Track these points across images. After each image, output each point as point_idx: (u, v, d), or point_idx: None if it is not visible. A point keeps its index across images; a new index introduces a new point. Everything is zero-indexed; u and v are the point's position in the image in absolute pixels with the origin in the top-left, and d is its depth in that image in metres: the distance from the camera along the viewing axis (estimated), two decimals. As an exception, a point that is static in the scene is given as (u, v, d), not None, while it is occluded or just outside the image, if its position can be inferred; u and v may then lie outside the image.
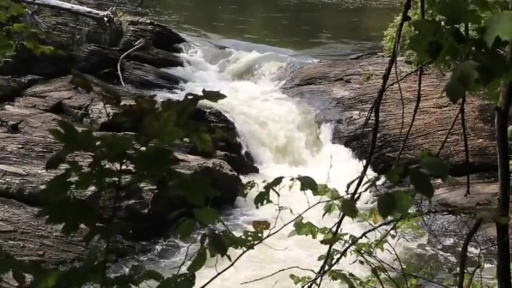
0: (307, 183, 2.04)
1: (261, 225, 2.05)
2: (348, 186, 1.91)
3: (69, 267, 7.19)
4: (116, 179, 1.33)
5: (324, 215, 2.74)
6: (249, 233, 2.02)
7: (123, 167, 1.32)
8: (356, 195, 2.19)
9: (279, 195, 2.21)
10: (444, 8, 1.41)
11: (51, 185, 1.35)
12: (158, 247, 8.06)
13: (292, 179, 2.12)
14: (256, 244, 1.98)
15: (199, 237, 1.72)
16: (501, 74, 1.38)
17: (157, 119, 1.28)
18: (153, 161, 1.31)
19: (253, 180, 2.50)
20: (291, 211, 2.61)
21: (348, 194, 2.19)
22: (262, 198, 2.06)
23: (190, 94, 1.37)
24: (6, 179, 8.12)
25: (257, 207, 2.07)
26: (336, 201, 2.80)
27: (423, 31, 1.44)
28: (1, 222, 7.52)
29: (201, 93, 1.40)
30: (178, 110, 1.31)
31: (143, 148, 1.31)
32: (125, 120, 1.32)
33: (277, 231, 2.14)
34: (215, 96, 1.42)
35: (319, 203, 2.56)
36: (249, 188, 2.47)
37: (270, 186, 2.02)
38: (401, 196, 1.60)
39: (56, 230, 7.50)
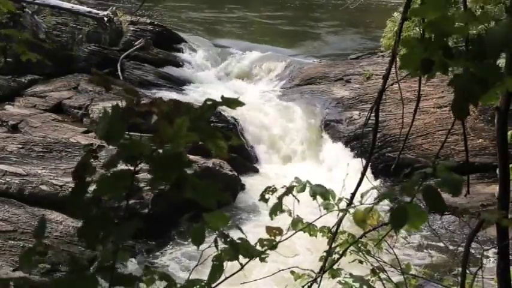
0: (319, 193, 2.04)
1: (274, 231, 2.04)
2: (353, 194, 1.91)
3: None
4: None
5: (339, 223, 2.72)
6: (264, 241, 2.00)
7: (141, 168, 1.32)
8: (360, 201, 2.19)
9: (299, 201, 2.19)
10: (431, 25, 1.40)
11: (72, 193, 1.35)
12: (158, 247, 8.05)
13: (304, 188, 2.11)
14: (270, 249, 1.97)
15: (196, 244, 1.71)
16: (495, 84, 1.36)
17: (171, 125, 1.28)
18: (168, 163, 1.30)
19: (273, 186, 2.47)
20: (290, 213, 2.60)
21: (352, 198, 2.19)
22: (276, 210, 2.06)
23: (209, 99, 1.37)
24: (6, 179, 8.11)
25: (272, 219, 2.06)
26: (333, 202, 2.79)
27: (413, 49, 1.44)
28: (1, 222, 7.51)
29: (219, 99, 1.39)
30: (196, 115, 1.30)
31: (159, 150, 1.31)
32: (142, 121, 1.32)
33: (289, 237, 2.13)
34: (234, 103, 1.41)
35: (325, 210, 2.55)
36: (270, 193, 2.44)
37: (282, 197, 2.01)
38: (415, 211, 1.56)
39: (56, 230, 7.50)
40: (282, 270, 3.16)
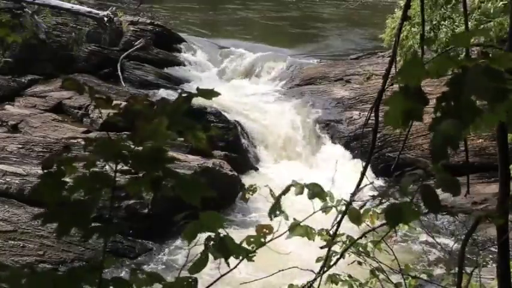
0: (314, 192, 2.03)
1: (265, 229, 2.03)
2: (353, 195, 1.91)
3: (68, 267, 7.20)
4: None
5: (339, 224, 2.71)
6: (251, 239, 2.00)
7: (120, 166, 1.32)
8: (358, 201, 2.19)
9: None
10: (404, 73, 1.41)
11: (43, 183, 1.34)
12: (158, 247, 8.05)
13: (302, 188, 2.11)
14: (257, 248, 1.96)
15: (197, 241, 1.71)
16: (471, 122, 1.37)
17: (149, 123, 1.28)
18: (148, 160, 1.30)
19: (255, 184, 2.47)
20: (287, 218, 2.60)
21: (351, 199, 2.18)
22: (274, 210, 2.06)
23: (184, 92, 1.37)
24: (6, 179, 8.12)
25: (271, 220, 2.06)
26: (334, 204, 2.79)
27: (394, 105, 1.45)
28: (1, 222, 7.52)
29: (195, 91, 1.40)
30: (173, 108, 1.30)
31: (138, 148, 1.31)
32: (119, 119, 1.32)
33: (280, 235, 2.13)
34: (209, 94, 1.41)
35: (321, 209, 2.55)
36: (250, 192, 2.44)
37: (280, 197, 2.01)
38: (409, 209, 1.60)
39: (56, 230, 7.50)
40: (282, 270, 3.16)
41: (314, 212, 2.40)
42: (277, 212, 2.10)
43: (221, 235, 1.66)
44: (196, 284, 1.55)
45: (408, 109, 1.43)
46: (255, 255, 1.88)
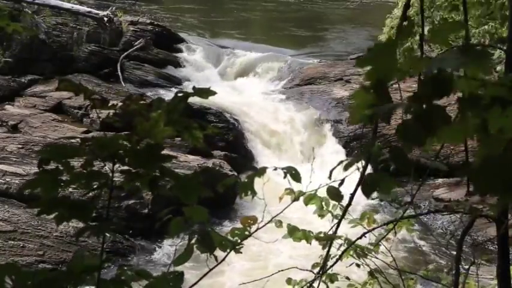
0: (290, 173, 2.03)
1: (249, 220, 2.04)
2: (331, 172, 1.87)
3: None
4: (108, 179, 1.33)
5: (338, 225, 2.70)
6: (236, 231, 2.00)
7: (119, 166, 1.32)
8: (342, 181, 2.18)
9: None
10: (373, 70, 1.37)
11: (40, 179, 1.35)
12: (158, 247, 8.05)
13: (275, 169, 2.10)
14: (243, 241, 1.96)
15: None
16: (439, 128, 1.31)
17: (147, 120, 1.29)
18: (145, 158, 1.30)
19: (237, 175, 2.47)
20: (279, 222, 2.60)
21: (350, 199, 2.18)
22: (245, 189, 2.05)
23: (180, 91, 1.38)
24: (6, 179, 8.11)
25: (241, 198, 2.06)
26: (330, 208, 2.79)
27: (359, 100, 1.43)
28: (1, 222, 7.52)
29: (191, 91, 1.40)
30: (169, 107, 1.31)
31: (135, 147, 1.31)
32: (116, 119, 1.33)
33: (264, 225, 2.13)
34: (205, 93, 1.41)
35: (302, 195, 2.54)
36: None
37: (253, 177, 2.00)
38: (384, 177, 1.60)
39: (56, 230, 7.50)
40: (282, 270, 3.16)
41: (289, 204, 2.40)
42: (249, 192, 2.09)
43: (207, 231, 1.67)
44: (182, 278, 1.55)
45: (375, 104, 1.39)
46: (242, 247, 1.88)
